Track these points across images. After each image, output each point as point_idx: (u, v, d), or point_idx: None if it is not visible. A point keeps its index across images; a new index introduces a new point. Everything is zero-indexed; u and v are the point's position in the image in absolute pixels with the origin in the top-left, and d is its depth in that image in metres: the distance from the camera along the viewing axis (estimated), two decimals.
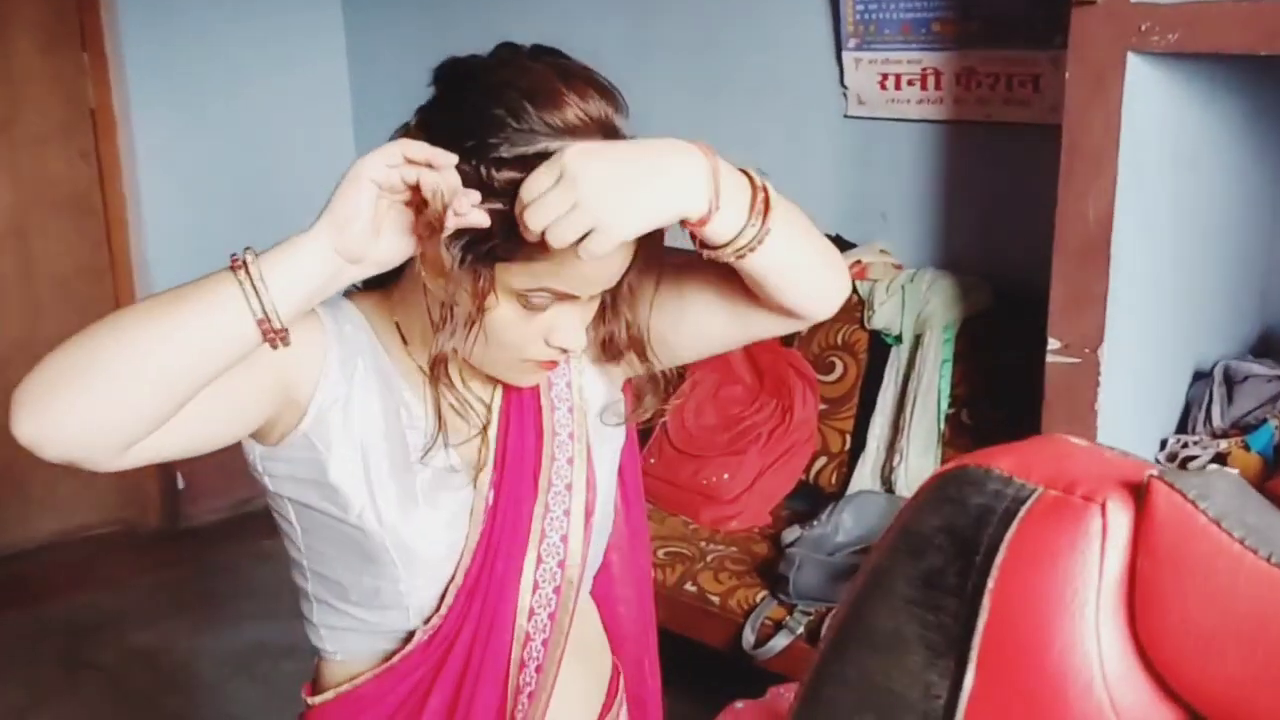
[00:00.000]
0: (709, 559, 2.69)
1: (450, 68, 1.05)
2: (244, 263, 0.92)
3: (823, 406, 2.93)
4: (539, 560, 1.17)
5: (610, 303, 1.14)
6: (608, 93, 1.02)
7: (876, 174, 3.06)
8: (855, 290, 2.85)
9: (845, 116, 3.08)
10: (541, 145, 0.96)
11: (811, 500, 2.86)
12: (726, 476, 2.88)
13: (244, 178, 3.97)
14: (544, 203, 0.92)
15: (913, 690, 0.59)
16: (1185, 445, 2.27)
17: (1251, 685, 0.52)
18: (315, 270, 0.94)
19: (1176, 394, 2.39)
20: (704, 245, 1.02)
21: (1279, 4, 1.80)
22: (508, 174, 0.96)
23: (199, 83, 3.88)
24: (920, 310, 2.79)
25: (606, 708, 1.29)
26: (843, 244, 2.99)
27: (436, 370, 1.08)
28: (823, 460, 2.92)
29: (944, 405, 2.73)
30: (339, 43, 4.21)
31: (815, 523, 2.62)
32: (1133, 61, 1.96)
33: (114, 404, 0.89)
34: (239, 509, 3.87)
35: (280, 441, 1.09)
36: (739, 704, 1.44)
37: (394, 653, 1.16)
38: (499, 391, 1.18)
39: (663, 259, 1.13)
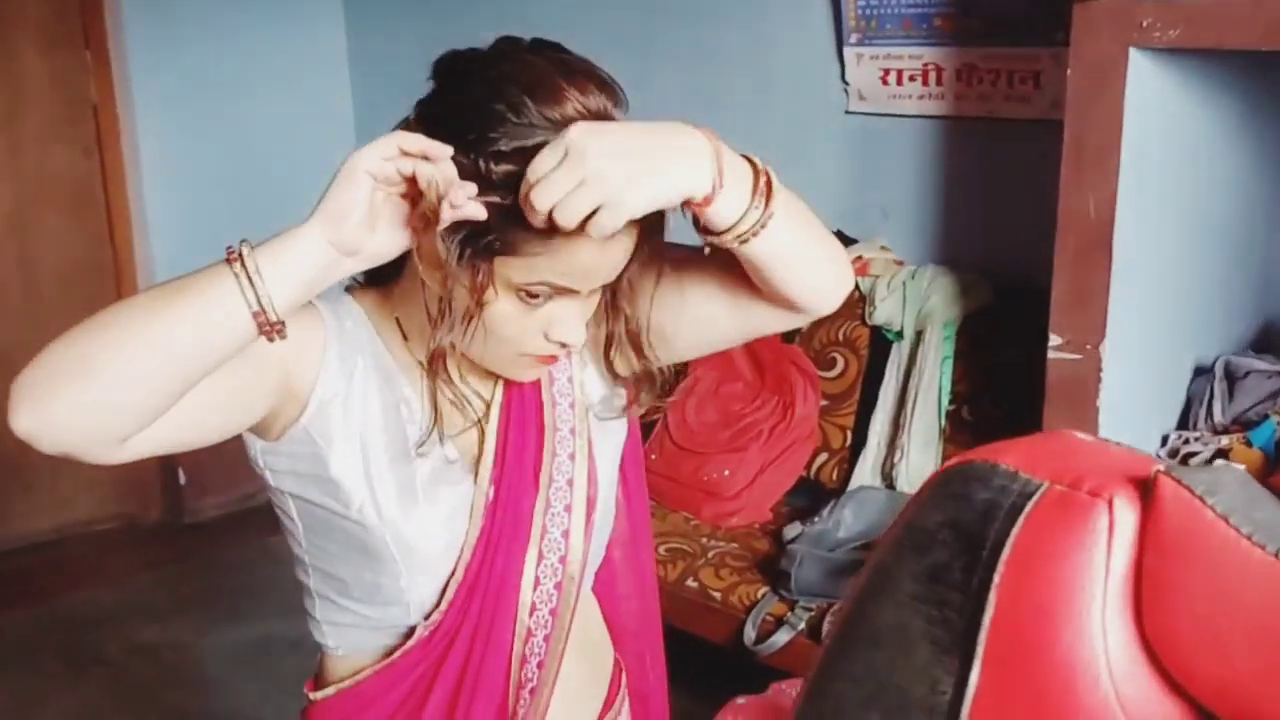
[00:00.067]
0: (710, 555, 2.69)
1: (449, 61, 1.05)
2: (240, 255, 0.92)
3: (824, 403, 2.93)
4: (540, 556, 1.17)
5: (610, 298, 1.13)
6: (608, 87, 1.01)
7: (878, 170, 3.06)
8: (856, 286, 2.84)
9: (846, 112, 3.07)
10: (540, 139, 0.95)
11: (812, 496, 2.86)
12: (728, 473, 2.88)
13: (245, 174, 3.97)
14: (551, 180, 0.92)
15: (918, 686, 0.59)
16: (1186, 441, 2.26)
17: (1258, 680, 0.52)
18: (310, 262, 0.94)
19: (1177, 390, 2.39)
20: (707, 231, 1.02)
21: None
22: (506, 167, 0.96)
23: (201, 79, 3.88)
24: (921, 306, 2.79)
25: (608, 703, 1.29)
26: (844, 240, 2.99)
27: (435, 364, 1.08)
28: (824, 456, 2.92)
29: (945, 401, 2.73)
30: (340, 38, 4.20)
31: (816, 519, 2.62)
32: (1135, 57, 1.96)
33: (111, 396, 0.89)
34: (241, 504, 3.88)
35: (281, 436, 1.08)
36: (740, 699, 1.44)
37: (396, 648, 1.16)
38: (500, 387, 1.18)
39: (663, 254, 1.12)
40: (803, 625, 2.39)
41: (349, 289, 1.15)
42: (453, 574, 1.14)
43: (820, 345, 2.97)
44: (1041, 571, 0.56)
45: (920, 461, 2.71)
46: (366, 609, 1.16)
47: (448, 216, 0.94)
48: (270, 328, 0.93)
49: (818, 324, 2.87)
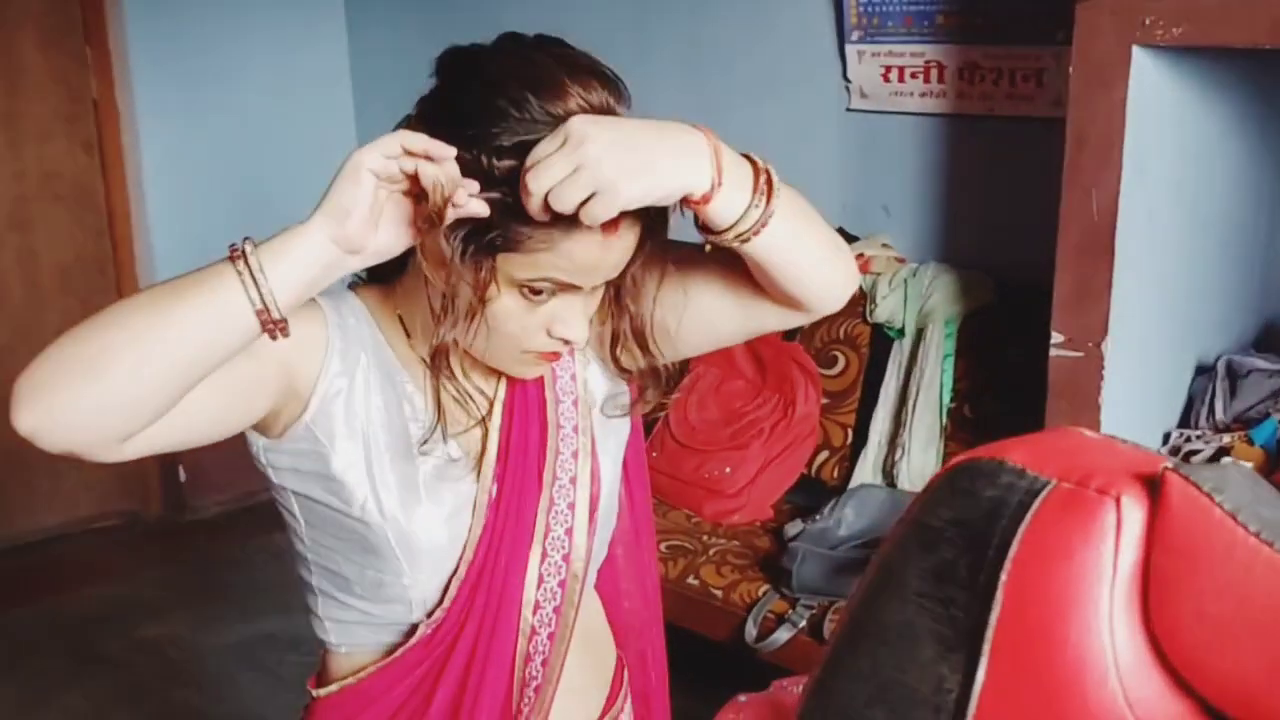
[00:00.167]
0: (711, 553, 2.69)
1: (452, 57, 1.05)
2: (243, 253, 0.92)
3: (825, 400, 2.93)
4: (544, 554, 1.17)
5: (614, 296, 1.13)
6: (610, 83, 1.01)
7: (879, 168, 3.05)
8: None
9: (847, 110, 3.07)
10: (543, 134, 0.95)
11: (813, 494, 2.86)
12: (729, 470, 2.88)
13: (246, 169, 3.97)
14: (547, 163, 0.92)
15: (925, 684, 0.59)
16: (1188, 439, 2.26)
17: (1266, 677, 0.52)
18: (313, 260, 0.94)
19: (1179, 388, 2.39)
20: (708, 230, 1.02)
21: None
22: (508, 163, 0.96)
23: (201, 75, 3.88)
24: (923, 304, 2.79)
25: (610, 701, 1.29)
26: (845, 238, 2.97)
27: (438, 360, 1.08)
28: (825, 454, 2.92)
29: (946, 399, 2.73)
30: (341, 33, 4.20)
31: (817, 517, 2.62)
32: (1137, 55, 1.96)
33: (114, 396, 0.89)
34: (243, 501, 3.88)
35: (283, 434, 1.08)
36: (742, 697, 1.43)
37: (399, 645, 1.16)
38: (503, 384, 1.18)
39: (667, 252, 1.12)
40: (804, 623, 2.39)
41: (351, 286, 1.15)
42: (455, 571, 1.14)
43: (821, 343, 2.97)
44: (1048, 569, 0.56)
45: (921, 460, 2.71)
46: (369, 606, 1.15)
47: (450, 216, 0.94)
48: (273, 326, 0.93)
49: (818, 322, 2.86)
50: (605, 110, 0.99)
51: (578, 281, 1.03)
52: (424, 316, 1.07)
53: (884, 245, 2.99)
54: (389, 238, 0.97)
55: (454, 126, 0.97)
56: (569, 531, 1.18)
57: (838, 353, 2.95)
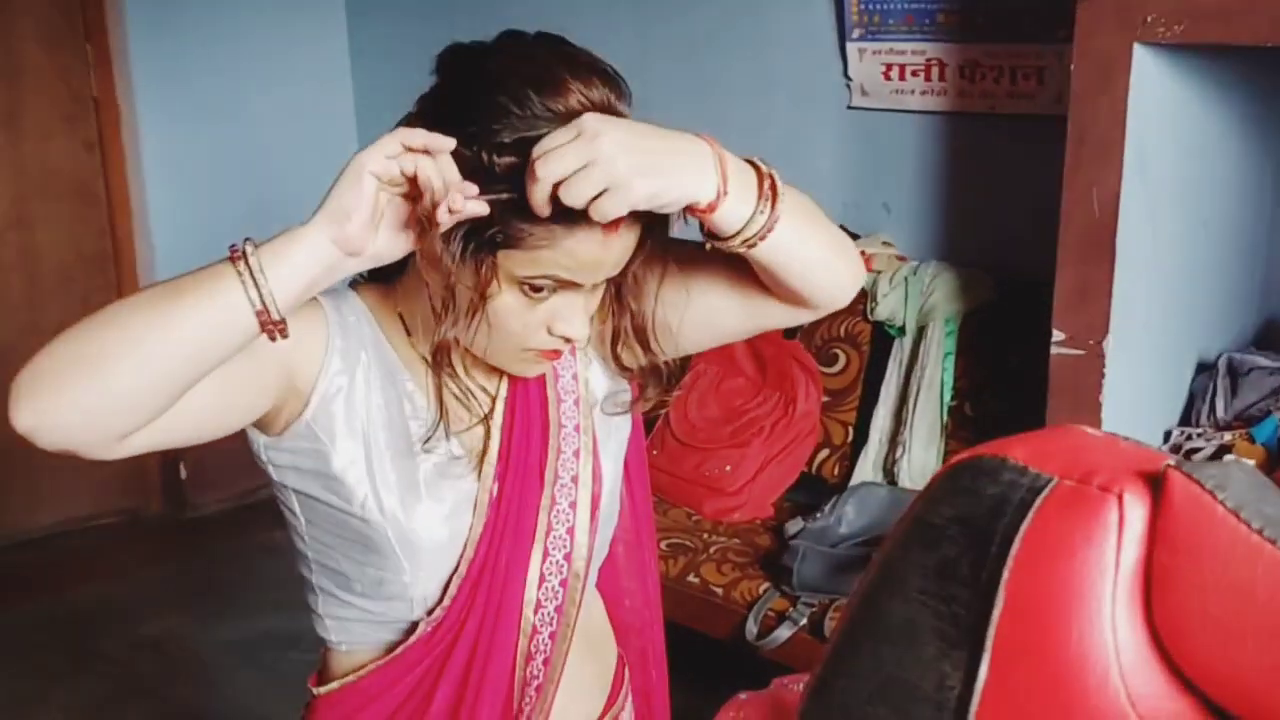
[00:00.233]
0: (712, 551, 2.69)
1: (452, 54, 1.05)
2: (243, 253, 0.91)
3: (825, 398, 2.93)
4: (545, 553, 1.17)
5: (615, 294, 1.13)
6: (611, 80, 1.01)
7: (880, 165, 3.05)
8: None
9: (848, 108, 3.07)
10: (543, 131, 0.95)
11: (814, 492, 2.86)
12: (729, 468, 2.88)
13: (247, 168, 3.97)
14: (560, 152, 0.92)
15: (927, 681, 0.59)
16: (1189, 437, 2.26)
17: (1269, 675, 0.52)
18: (314, 262, 0.94)
19: (1180, 386, 2.39)
20: (714, 236, 1.02)
21: None
22: (509, 159, 0.96)
23: (202, 74, 3.88)
24: (923, 302, 2.79)
25: (612, 700, 1.29)
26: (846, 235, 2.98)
27: (439, 358, 1.07)
28: (825, 452, 2.92)
29: (947, 397, 2.73)
30: (342, 31, 4.20)
31: (818, 515, 2.62)
32: (1138, 53, 1.96)
33: (112, 394, 0.89)
34: (243, 499, 3.88)
35: (284, 432, 1.08)
36: (743, 695, 1.43)
37: (399, 643, 1.16)
38: (504, 383, 1.18)
39: (668, 250, 1.12)
40: (804, 621, 2.39)
41: (352, 284, 1.15)
42: (456, 569, 1.14)
43: (822, 341, 2.97)
44: (1050, 566, 0.56)
45: (922, 457, 2.71)
46: (369, 604, 1.15)
47: (447, 220, 0.94)
48: (273, 326, 0.93)
49: (819, 320, 2.86)
50: (606, 107, 0.99)
51: (579, 279, 1.03)
52: (425, 315, 1.07)
53: (885, 243, 2.99)
54: (389, 241, 0.97)
55: (455, 124, 0.96)
56: (570, 530, 1.18)
57: (838, 351, 2.95)
